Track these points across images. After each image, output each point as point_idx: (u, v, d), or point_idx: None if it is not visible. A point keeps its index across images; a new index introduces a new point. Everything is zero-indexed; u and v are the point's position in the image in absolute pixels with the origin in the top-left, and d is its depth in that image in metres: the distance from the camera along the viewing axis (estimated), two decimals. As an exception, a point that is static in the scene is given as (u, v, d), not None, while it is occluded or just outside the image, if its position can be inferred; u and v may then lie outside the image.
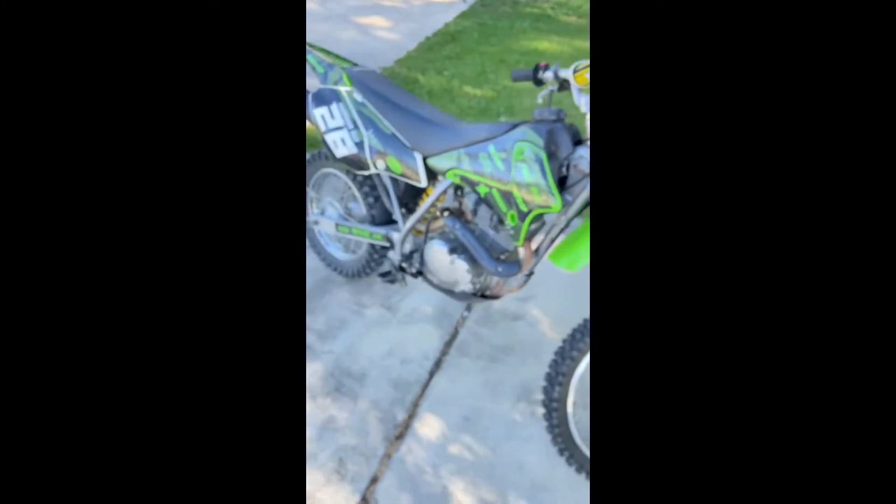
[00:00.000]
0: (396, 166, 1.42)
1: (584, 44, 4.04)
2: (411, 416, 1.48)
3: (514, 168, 1.17)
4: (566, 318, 1.77)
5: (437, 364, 1.63)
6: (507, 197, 1.20)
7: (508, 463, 1.37)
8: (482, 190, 1.25)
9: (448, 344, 1.69)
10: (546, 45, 4.01)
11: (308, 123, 1.61)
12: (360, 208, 1.69)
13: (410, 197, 1.56)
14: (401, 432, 1.44)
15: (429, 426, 1.46)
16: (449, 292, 1.48)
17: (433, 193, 1.39)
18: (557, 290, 1.84)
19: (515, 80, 1.32)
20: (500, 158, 1.20)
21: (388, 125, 1.41)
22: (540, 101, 1.35)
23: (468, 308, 1.81)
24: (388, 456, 1.39)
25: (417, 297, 1.84)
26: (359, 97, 1.45)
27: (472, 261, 1.36)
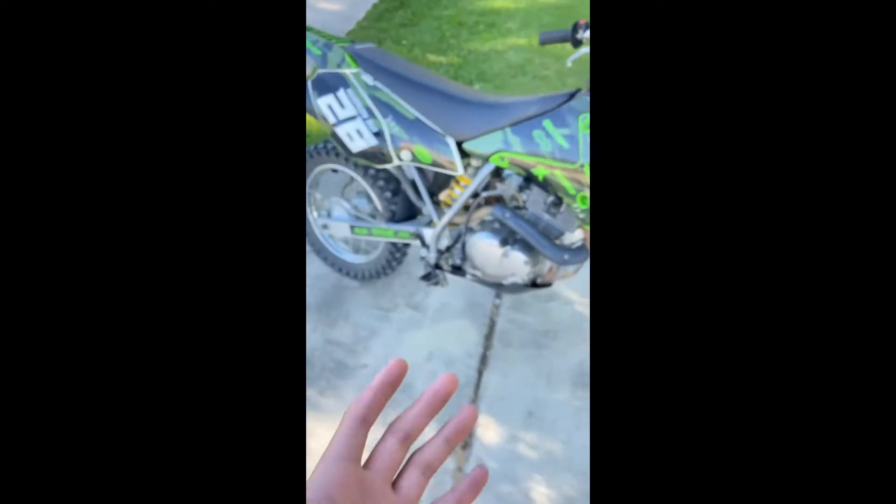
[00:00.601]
0: (425, 156, 1.26)
1: (540, -1, 3.90)
2: (471, 421, 1.39)
3: (584, 144, 1.05)
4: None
5: (483, 360, 1.53)
6: (576, 178, 1.08)
7: (585, 453, 1.31)
8: (540, 172, 1.13)
9: (488, 337, 1.59)
10: (502, 3, 3.84)
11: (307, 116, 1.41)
12: (373, 205, 1.52)
13: (437, 187, 1.41)
14: (465, 441, 1.34)
15: (492, 429, 1.37)
16: (497, 286, 1.36)
17: (475, 181, 1.25)
18: (584, 265, 1.77)
19: (544, 42, 1.18)
20: (561, 135, 1.07)
21: (410, 109, 1.24)
22: (570, 64, 1.23)
23: (498, 295, 1.71)
24: (459, 469, 1.29)
25: (442, 291, 1.72)
26: (369, 79, 1.27)
27: (529, 250, 1.25)
